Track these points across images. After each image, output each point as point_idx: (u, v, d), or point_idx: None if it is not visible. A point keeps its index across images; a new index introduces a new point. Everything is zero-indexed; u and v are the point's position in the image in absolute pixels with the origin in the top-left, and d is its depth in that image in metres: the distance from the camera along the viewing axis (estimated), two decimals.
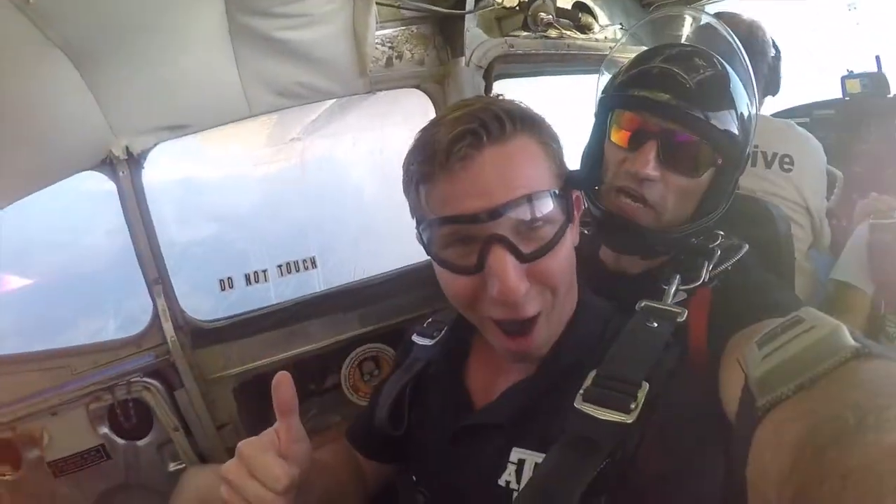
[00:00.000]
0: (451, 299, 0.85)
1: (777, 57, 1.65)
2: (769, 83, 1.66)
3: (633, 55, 1.11)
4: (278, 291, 1.68)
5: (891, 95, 2.21)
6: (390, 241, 1.79)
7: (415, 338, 1.14)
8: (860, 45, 2.58)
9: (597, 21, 2.01)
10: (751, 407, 0.52)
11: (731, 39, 1.09)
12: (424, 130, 0.83)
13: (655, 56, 1.04)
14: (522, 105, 0.83)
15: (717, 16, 1.55)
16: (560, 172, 0.84)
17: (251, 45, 1.36)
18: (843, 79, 2.30)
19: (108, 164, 1.36)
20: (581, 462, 0.73)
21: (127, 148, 1.35)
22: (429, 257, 0.85)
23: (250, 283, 1.61)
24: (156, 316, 1.48)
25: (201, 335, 1.53)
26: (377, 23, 1.55)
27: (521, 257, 0.76)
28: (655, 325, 0.88)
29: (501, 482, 0.84)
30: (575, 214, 0.85)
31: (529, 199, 0.76)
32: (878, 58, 2.23)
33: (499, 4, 1.74)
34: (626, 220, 1.02)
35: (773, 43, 1.63)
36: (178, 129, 1.41)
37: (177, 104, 1.36)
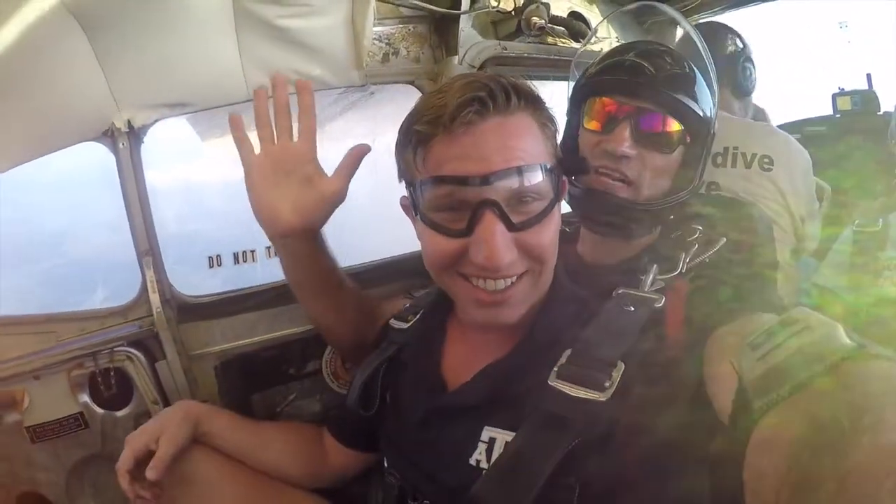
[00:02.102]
0: (430, 261, 0.92)
1: (739, 53, 1.85)
2: (736, 82, 1.86)
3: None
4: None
5: (881, 113, 2.35)
6: (376, 232, 1.91)
7: (391, 321, 1.22)
8: (851, 62, 2.73)
9: (591, 30, 2.17)
10: (746, 409, 0.54)
11: (702, 49, 1.23)
12: (430, 94, 0.90)
13: (629, 50, 1.18)
14: (527, 84, 0.91)
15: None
16: (554, 152, 0.92)
17: (254, 30, 1.51)
18: (834, 96, 2.44)
19: (109, 136, 1.48)
20: (551, 440, 0.76)
21: (129, 121, 1.48)
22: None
23: (238, 263, 1.72)
24: (143, 288, 1.59)
25: (187, 310, 1.63)
26: (376, 19, 1.71)
27: (510, 226, 0.83)
28: (633, 309, 0.94)
29: (472, 461, 0.88)
30: (562, 196, 0.93)
31: (523, 170, 0.83)
32: (868, 75, 2.38)
33: (494, 8, 1.91)
34: (606, 194, 1.13)
35: (738, 41, 1.86)
36: (179, 107, 1.54)
37: (179, 82, 1.50)
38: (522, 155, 0.83)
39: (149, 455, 1.11)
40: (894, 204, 1.80)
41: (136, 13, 1.29)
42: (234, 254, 1.72)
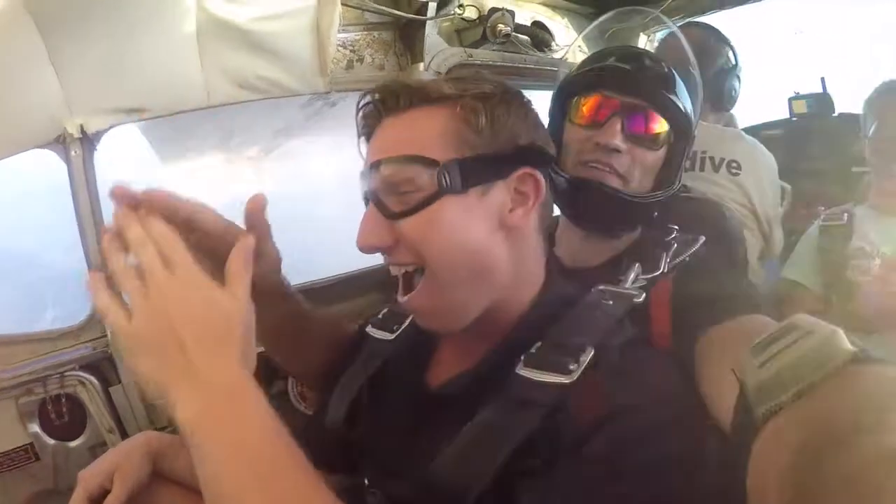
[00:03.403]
0: None
1: (730, 70, 1.89)
2: (720, 99, 1.90)
3: None
4: None
5: (835, 115, 2.48)
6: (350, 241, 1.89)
7: (370, 329, 1.16)
8: (806, 67, 2.89)
9: (554, 39, 2.24)
10: (748, 416, 0.55)
11: (686, 50, 1.28)
12: (362, 96, 0.95)
13: (608, 56, 1.22)
14: (447, 78, 0.94)
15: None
16: (474, 144, 0.86)
17: (216, 33, 1.50)
18: (790, 100, 2.56)
19: (60, 143, 1.42)
20: (515, 421, 0.76)
21: (82, 127, 1.42)
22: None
23: None
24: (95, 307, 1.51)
25: None
26: (340, 25, 1.71)
27: (388, 214, 0.84)
28: (611, 303, 0.93)
29: None
30: (465, 187, 0.85)
31: (392, 161, 0.85)
32: (822, 79, 2.51)
33: (459, 15, 1.95)
34: (594, 182, 1.14)
35: (730, 55, 1.91)
36: (135, 112, 1.49)
37: (136, 86, 1.46)
38: (400, 147, 0.85)
39: (104, 493, 1.04)
40: (859, 197, 1.90)
41: (94, 12, 1.26)
42: None
